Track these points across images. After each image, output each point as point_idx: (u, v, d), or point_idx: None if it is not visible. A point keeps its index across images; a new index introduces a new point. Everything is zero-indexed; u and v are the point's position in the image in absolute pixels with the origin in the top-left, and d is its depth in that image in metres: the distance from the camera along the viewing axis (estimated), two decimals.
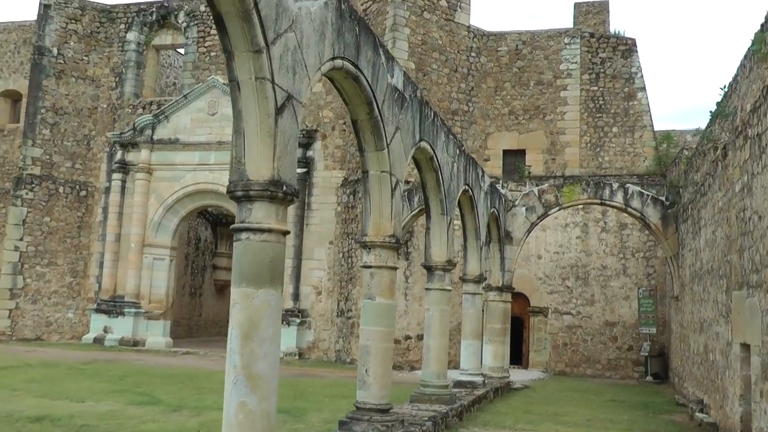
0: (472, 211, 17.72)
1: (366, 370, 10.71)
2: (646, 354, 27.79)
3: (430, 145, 13.33)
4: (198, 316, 43.12)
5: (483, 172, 19.10)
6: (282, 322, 30.19)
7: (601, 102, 31.77)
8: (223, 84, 32.07)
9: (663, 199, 23.37)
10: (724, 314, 15.05)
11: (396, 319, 27.84)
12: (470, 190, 17.03)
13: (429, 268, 14.77)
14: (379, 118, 10.39)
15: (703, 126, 19.02)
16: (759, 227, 11.94)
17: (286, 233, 7.32)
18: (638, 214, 23.40)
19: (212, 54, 34.44)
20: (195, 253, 42.36)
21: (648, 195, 23.32)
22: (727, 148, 15.08)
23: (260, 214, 7.11)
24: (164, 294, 32.78)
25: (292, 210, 30.46)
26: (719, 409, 15.49)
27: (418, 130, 12.46)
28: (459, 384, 18.21)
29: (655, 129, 31.88)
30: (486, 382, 19.56)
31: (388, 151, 10.77)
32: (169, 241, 32.98)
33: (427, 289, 14.96)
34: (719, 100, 15.36)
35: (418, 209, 25.28)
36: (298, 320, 30.12)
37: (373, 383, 10.66)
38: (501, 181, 24.42)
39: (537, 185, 23.92)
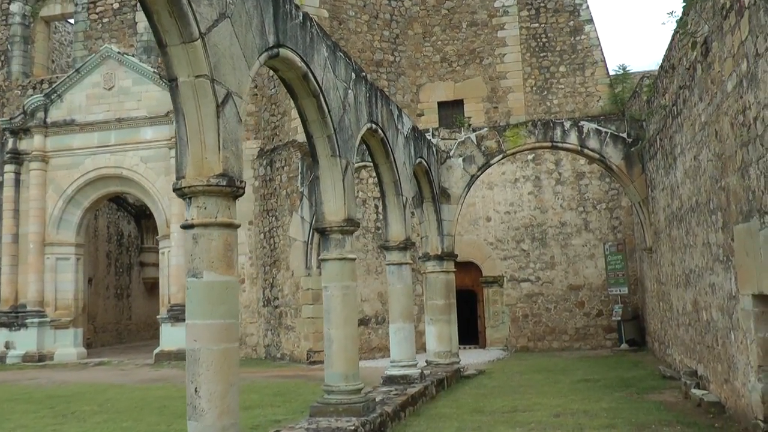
0: (388, 159, 13.81)
1: (195, 389, 6.74)
2: (619, 318, 24.16)
3: (302, 59, 9.40)
4: (127, 320, 39.16)
5: (400, 111, 15.19)
6: None
7: (544, 40, 28.04)
8: (118, 53, 28.01)
9: (624, 136, 19.74)
10: (722, 259, 11.36)
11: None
12: (381, 131, 13.11)
13: (322, 231, 10.83)
14: None
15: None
16: None
17: None
18: (597, 156, 19.74)
19: (104, 20, 30.22)
20: (118, 250, 38.36)
21: (607, 132, 19.66)
22: (709, 41, 11.35)
23: None
24: (72, 298, 28.58)
25: None
26: (723, 383, 11.82)
27: (271, 29, 8.53)
28: (389, 380, 14.36)
29: (609, 67, 28.26)
30: (427, 373, 15.78)
31: (205, 45, 6.86)
32: (74, 237, 28.73)
33: (322, 260, 10.96)
34: None
35: None
36: None
37: (208, 409, 6.69)
38: (432, 129, 20.52)
39: (475, 131, 20.08)
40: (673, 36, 14.75)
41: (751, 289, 9.53)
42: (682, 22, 12.37)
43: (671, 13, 12.32)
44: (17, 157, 28.67)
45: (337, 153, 10.54)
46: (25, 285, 28.20)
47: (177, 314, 26.28)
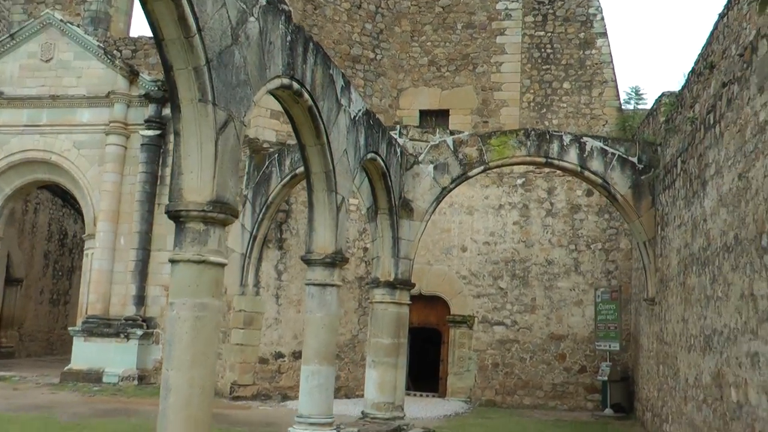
0: (319, 139, 10.08)
1: None
2: (605, 378, 20.35)
3: None
4: (62, 329, 35.08)
5: (348, 84, 11.45)
6: (119, 336, 22.63)
7: (549, 51, 24.48)
8: (61, 21, 24.21)
9: (634, 160, 16.11)
10: None
11: (262, 330, 20.40)
12: (307, 95, 9.38)
13: (176, 217, 6.97)
14: None
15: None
16: None
17: None
18: (599, 181, 16.04)
19: None
20: (59, 251, 34.45)
21: (614, 154, 16.03)
22: None
23: None
24: None
25: (137, 183, 22.89)
26: None
27: None
28: None
29: (620, 89, 24.71)
30: None
31: None
32: None
33: (171, 261, 7.05)
34: None
35: (289, 175, 18.01)
36: (140, 332, 22.20)
37: None
38: (399, 127, 16.82)
39: (453, 134, 16.40)
40: (716, 25, 11.22)
41: None
42: None
43: None
44: None
45: (211, 99, 6.77)
46: None
47: (92, 327, 22.46)
